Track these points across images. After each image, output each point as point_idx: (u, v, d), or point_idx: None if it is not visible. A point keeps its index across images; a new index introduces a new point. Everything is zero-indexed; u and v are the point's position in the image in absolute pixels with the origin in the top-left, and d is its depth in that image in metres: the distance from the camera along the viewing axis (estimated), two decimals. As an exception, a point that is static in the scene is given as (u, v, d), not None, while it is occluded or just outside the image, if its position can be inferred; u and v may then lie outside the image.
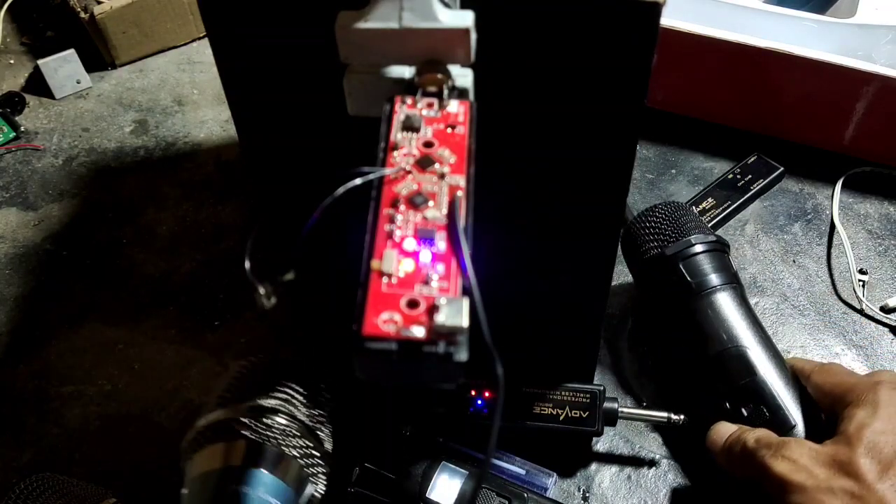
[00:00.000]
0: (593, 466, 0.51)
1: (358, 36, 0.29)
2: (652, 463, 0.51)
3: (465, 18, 0.29)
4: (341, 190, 0.26)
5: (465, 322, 0.23)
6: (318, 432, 0.42)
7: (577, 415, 0.48)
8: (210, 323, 0.58)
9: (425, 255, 0.25)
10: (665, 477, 0.50)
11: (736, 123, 0.68)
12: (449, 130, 0.28)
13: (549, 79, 0.35)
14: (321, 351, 0.45)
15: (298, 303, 0.50)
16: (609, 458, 0.51)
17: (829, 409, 0.45)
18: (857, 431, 0.41)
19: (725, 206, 0.63)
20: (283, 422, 0.41)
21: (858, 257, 0.60)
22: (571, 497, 0.49)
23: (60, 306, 0.60)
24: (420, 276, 0.24)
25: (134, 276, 0.62)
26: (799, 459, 0.41)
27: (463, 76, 0.30)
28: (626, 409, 0.49)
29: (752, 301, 0.58)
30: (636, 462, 0.51)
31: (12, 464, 0.52)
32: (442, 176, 0.27)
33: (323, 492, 0.43)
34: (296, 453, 0.41)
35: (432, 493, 0.45)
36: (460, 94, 0.30)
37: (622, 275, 0.58)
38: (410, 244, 0.25)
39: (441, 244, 0.25)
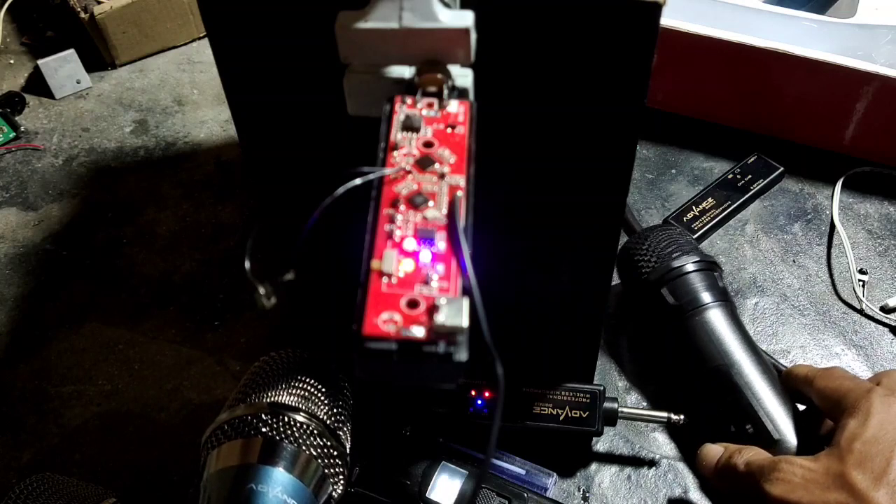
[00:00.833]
0: (593, 466, 0.51)
1: (358, 36, 0.29)
2: (652, 463, 0.51)
3: (465, 18, 0.29)
4: (341, 190, 0.26)
5: (465, 322, 0.23)
6: (339, 432, 0.42)
7: (577, 415, 0.48)
8: (210, 323, 0.58)
9: (425, 255, 0.25)
10: (665, 477, 0.50)
11: (736, 123, 0.68)
12: (449, 130, 0.28)
13: (549, 79, 0.35)
14: (322, 350, 0.45)
15: (299, 303, 0.50)
16: (609, 458, 0.51)
17: (829, 414, 0.45)
18: (847, 443, 0.41)
19: (725, 206, 0.63)
20: (303, 420, 0.40)
21: (858, 257, 0.60)
22: (571, 497, 0.49)
23: (60, 306, 0.60)
24: (420, 276, 0.24)
25: (134, 276, 0.61)
26: (792, 479, 0.41)
27: (463, 76, 0.30)
28: (625, 409, 0.49)
29: (752, 301, 0.58)
30: (636, 462, 0.51)
31: (12, 464, 0.52)
32: (442, 176, 0.27)
33: (340, 492, 0.42)
34: (315, 452, 0.40)
35: (432, 493, 0.45)
36: (460, 94, 0.30)
37: (622, 275, 0.58)
38: (410, 244, 0.25)
39: (441, 244, 0.25)
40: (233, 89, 0.40)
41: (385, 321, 0.23)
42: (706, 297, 0.51)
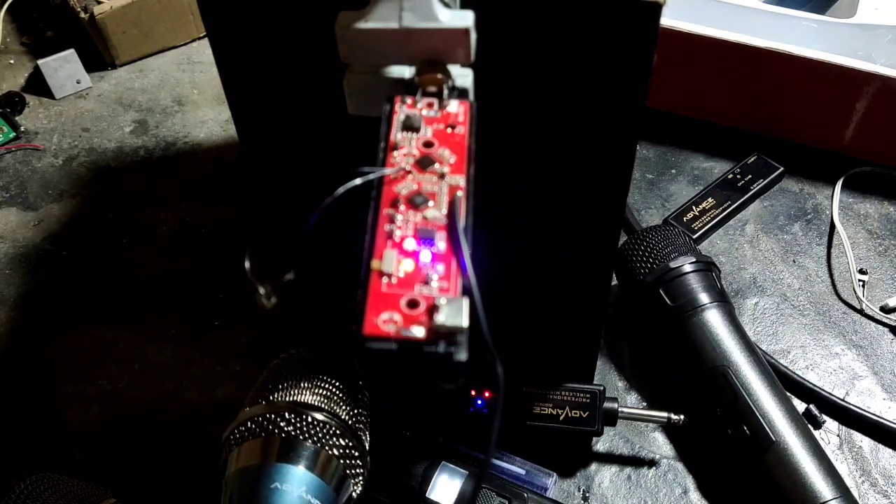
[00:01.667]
0: (593, 466, 0.50)
1: (358, 36, 0.29)
2: (652, 463, 0.51)
3: (465, 18, 0.29)
4: (341, 190, 0.26)
5: (465, 322, 0.23)
6: (359, 432, 0.42)
7: (577, 415, 0.48)
8: (210, 323, 0.58)
9: (425, 255, 0.25)
10: (665, 477, 0.50)
11: (736, 123, 0.68)
12: (449, 130, 0.28)
13: (550, 79, 0.35)
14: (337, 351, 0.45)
15: (299, 303, 0.49)
16: (609, 459, 0.51)
17: None
18: None
19: (725, 206, 0.63)
20: (324, 419, 0.40)
21: (858, 257, 0.60)
22: (571, 497, 0.49)
23: (60, 306, 0.60)
24: (420, 276, 0.24)
25: (134, 276, 0.61)
26: None
27: (463, 76, 0.30)
28: (626, 409, 0.49)
29: (752, 301, 0.58)
30: (636, 462, 0.51)
31: (12, 464, 0.52)
32: (442, 176, 0.27)
33: (360, 493, 0.42)
34: (336, 452, 0.40)
35: (432, 493, 0.45)
36: (460, 94, 0.30)
37: (622, 275, 0.58)
38: (410, 244, 0.25)
39: (441, 244, 0.25)
40: (233, 89, 0.40)
41: (385, 321, 0.23)
42: (704, 297, 0.51)
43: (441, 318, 0.23)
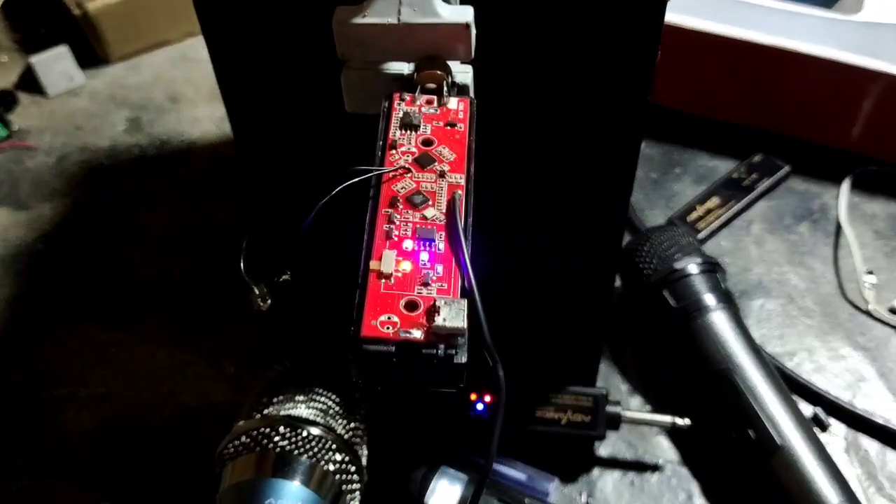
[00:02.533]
0: (596, 471, 0.50)
1: (356, 32, 0.29)
2: (656, 468, 0.50)
3: (464, 14, 0.29)
4: (338, 189, 0.26)
5: (464, 324, 0.23)
6: (356, 447, 0.41)
7: (580, 419, 0.48)
8: (204, 325, 0.58)
9: (424, 256, 0.24)
10: (669, 482, 0.50)
11: (741, 121, 0.67)
12: (448, 128, 0.28)
13: (552, 76, 0.35)
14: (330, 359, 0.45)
15: (295, 305, 0.49)
16: (612, 463, 0.50)
17: None
18: None
19: (730, 205, 0.62)
20: (320, 434, 0.40)
21: (866, 258, 0.59)
22: (574, 502, 0.49)
23: (53, 307, 0.59)
24: (419, 277, 0.24)
25: (127, 277, 0.61)
26: None
27: (463, 73, 0.30)
28: (629, 413, 0.49)
29: (758, 303, 0.58)
30: (640, 467, 0.50)
31: (4, 468, 0.51)
32: (441, 174, 0.27)
33: None
34: (332, 467, 0.39)
35: (432, 499, 0.45)
36: (460, 90, 0.30)
37: (625, 275, 0.57)
38: (409, 244, 0.25)
39: (440, 244, 0.25)
40: (228, 86, 0.39)
41: (383, 323, 0.23)
42: (708, 299, 0.51)
43: (440, 319, 0.23)
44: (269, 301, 0.36)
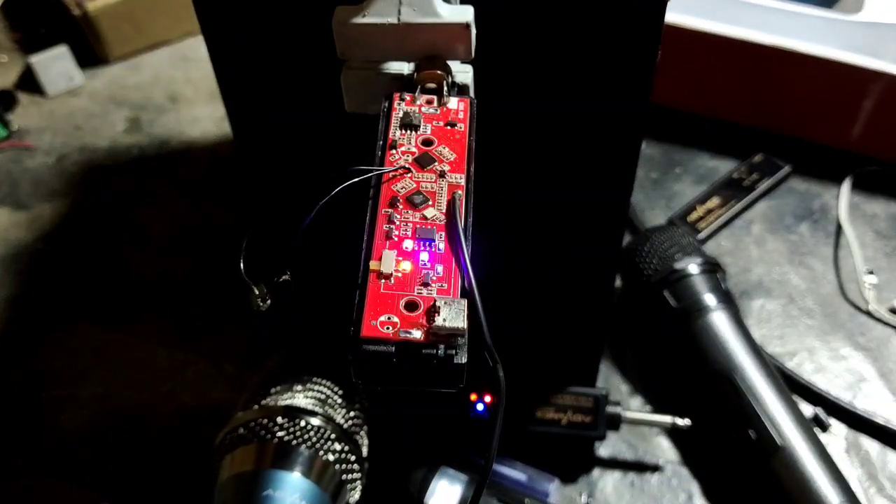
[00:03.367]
0: (596, 472, 0.50)
1: (355, 31, 0.29)
2: (656, 468, 0.50)
3: (465, 13, 0.29)
4: (338, 189, 0.25)
5: (464, 324, 0.22)
6: (356, 436, 0.41)
7: (580, 419, 0.48)
8: (204, 325, 0.57)
9: (424, 256, 0.24)
10: (669, 483, 0.49)
11: (741, 121, 0.67)
12: (449, 128, 0.28)
13: (552, 76, 0.35)
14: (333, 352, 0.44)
15: (294, 305, 0.49)
16: (612, 464, 0.50)
17: None
18: None
19: (731, 205, 0.62)
20: (319, 424, 0.39)
21: (866, 258, 0.59)
22: (574, 503, 0.49)
23: (52, 308, 0.59)
24: (419, 278, 0.24)
25: (127, 277, 0.61)
26: None
27: (463, 72, 0.30)
28: (629, 413, 0.49)
29: (759, 303, 0.57)
30: (640, 467, 0.50)
31: (4, 468, 0.51)
32: (441, 174, 0.27)
33: (357, 499, 0.41)
34: (332, 457, 0.39)
35: (432, 499, 0.45)
36: (460, 90, 0.30)
37: (625, 276, 0.57)
38: (409, 244, 0.25)
39: (440, 244, 0.25)
40: (228, 86, 0.39)
41: (383, 323, 0.23)
42: (709, 299, 0.51)
43: (440, 320, 0.23)
44: (269, 301, 0.36)
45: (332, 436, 0.39)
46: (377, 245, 0.24)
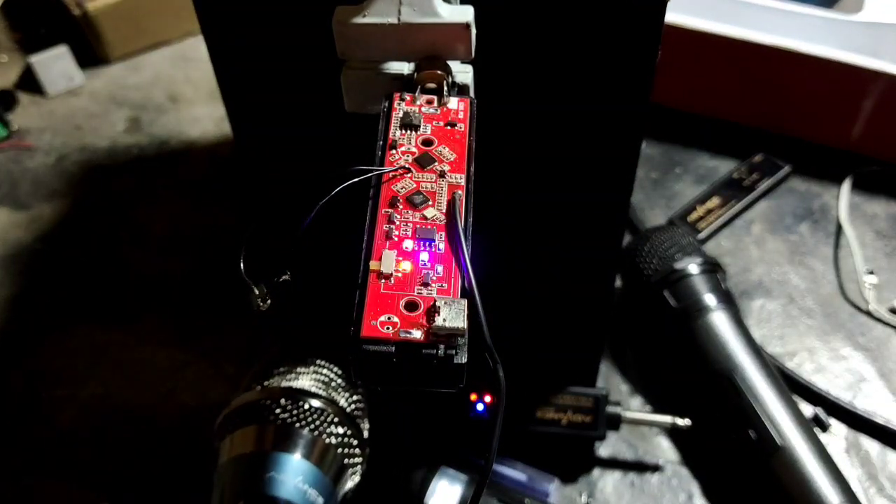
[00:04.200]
0: (596, 472, 0.50)
1: (355, 31, 0.29)
2: (656, 468, 0.50)
3: (465, 13, 0.29)
4: (338, 189, 0.25)
5: (464, 324, 0.22)
6: (357, 420, 0.40)
7: (580, 419, 0.48)
8: (204, 325, 0.57)
9: (424, 256, 0.24)
10: (670, 483, 0.49)
11: (741, 121, 0.67)
12: (449, 128, 0.28)
13: (552, 76, 0.35)
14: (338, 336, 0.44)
15: (294, 305, 0.49)
16: (612, 464, 0.50)
17: None
18: None
19: (731, 205, 0.62)
20: (321, 406, 0.38)
21: (866, 258, 0.59)
22: (574, 503, 0.49)
23: (52, 308, 0.59)
24: (419, 278, 0.24)
25: (127, 277, 0.61)
26: None
27: (463, 72, 0.30)
28: (629, 413, 0.49)
29: (759, 303, 0.57)
30: (640, 467, 0.50)
31: (4, 468, 0.51)
32: (441, 174, 0.27)
33: (358, 482, 0.40)
34: (333, 441, 0.38)
35: (432, 499, 0.44)
36: (460, 90, 0.30)
37: (625, 276, 0.57)
38: (409, 244, 0.25)
39: (440, 244, 0.25)
40: (228, 86, 0.39)
41: (383, 323, 0.23)
42: (709, 299, 0.51)
43: (440, 320, 0.22)
44: (269, 301, 0.36)
45: (335, 419, 0.38)
46: (377, 245, 0.24)
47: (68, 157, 0.70)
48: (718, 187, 0.64)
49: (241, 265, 0.32)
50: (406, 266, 0.24)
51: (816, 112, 0.64)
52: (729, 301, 0.51)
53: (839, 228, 0.61)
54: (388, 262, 0.24)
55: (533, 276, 0.44)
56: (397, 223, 0.25)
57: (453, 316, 0.22)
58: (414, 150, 0.27)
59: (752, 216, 0.63)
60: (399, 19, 0.28)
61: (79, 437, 0.52)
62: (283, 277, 0.34)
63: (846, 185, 0.64)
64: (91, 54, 0.77)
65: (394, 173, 0.26)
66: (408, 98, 0.29)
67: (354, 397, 0.41)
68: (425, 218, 0.25)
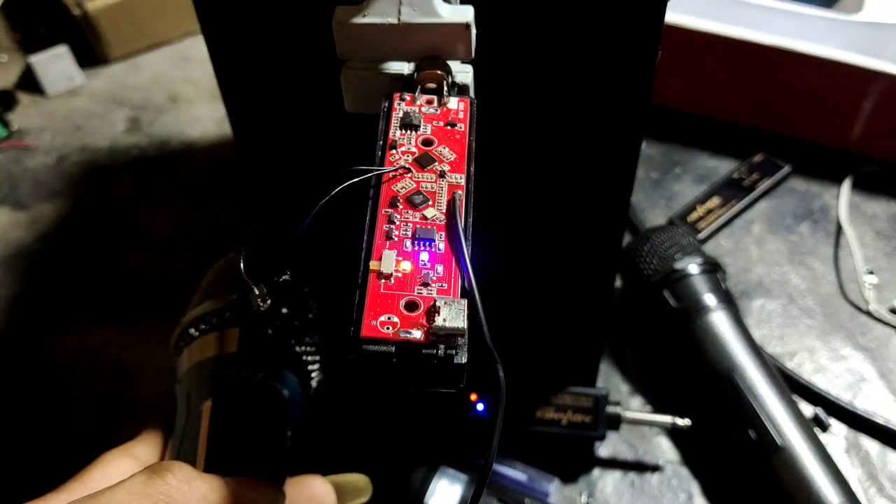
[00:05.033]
0: (596, 472, 0.50)
1: (356, 31, 0.29)
2: (656, 468, 0.50)
3: (465, 13, 0.29)
4: (338, 189, 0.25)
5: (464, 324, 0.22)
6: (311, 315, 0.39)
7: (580, 419, 0.48)
8: (205, 325, 0.57)
9: (424, 256, 0.24)
10: (669, 482, 0.49)
11: (741, 120, 0.67)
12: (449, 128, 0.28)
13: (552, 75, 0.35)
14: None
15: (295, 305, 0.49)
16: (612, 464, 0.50)
17: None
18: None
19: (731, 205, 0.62)
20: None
21: (866, 258, 0.59)
22: (574, 503, 0.49)
23: (52, 308, 0.59)
24: (419, 278, 0.24)
25: (127, 277, 0.61)
26: None
27: (463, 72, 0.30)
28: (629, 413, 0.49)
29: (759, 303, 0.57)
30: (640, 467, 0.50)
31: (3, 469, 0.51)
32: (441, 174, 0.26)
33: (320, 380, 0.40)
34: (294, 339, 0.38)
35: (432, 499, 0.44)
36: (460, 90, 0.30)
37: (625, 276, 0.57)
38: (409, 244, 0.24)
39: (440, 244, 0.25)
40: (228, 86, 0.39)
41: (383, 323, 0.23)
42: (709, 299, 0.51)
43: (440, 320, 0.22)
44: (269, 301, 0.36)
45: (295, 322, 0.38)
46: (377, 245, 0.24)
47: (68, 157, 0.70)
48: (718, 187, 0.64)
49: (241, 265, 0.32)
50: (406, 266, 0.24)
51: (816, 112, 0.64)
52: (729, 301, 0.51)
53: (839, 228, 0.61)
54: (388, 262, 0.24)
55: (533, 276, 0.44)
56: (397, 223, 0.25)
57: (453, 316, 0.22)
58: (414, 150, 0.27)
59: (752, 216, 0.63)
60: (399, 19, 0.28)
61: (77, 437, 0.52)
62: (283, 277, 0.34)
63: (846, 185, 0.64)
64: (91, 54, 0.77)
65: (394, 173, 0.26)
66: (408, 98, 0.29)
67: (308, 302, 0.40)
68: (425, 218, 0.25)
